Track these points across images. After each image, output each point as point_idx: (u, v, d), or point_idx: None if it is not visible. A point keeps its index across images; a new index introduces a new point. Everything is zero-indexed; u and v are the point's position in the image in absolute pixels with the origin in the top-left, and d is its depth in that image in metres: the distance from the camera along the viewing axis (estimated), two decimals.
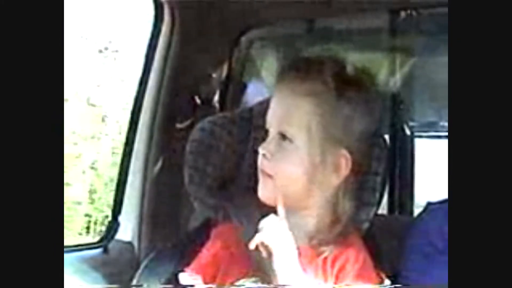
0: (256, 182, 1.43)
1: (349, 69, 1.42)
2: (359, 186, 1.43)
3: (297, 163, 1.36)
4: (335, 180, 1.37)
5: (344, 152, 1.37)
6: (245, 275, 1.39)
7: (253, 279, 1.38)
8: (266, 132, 1.41)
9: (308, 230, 1.39)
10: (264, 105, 1.52)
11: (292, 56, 2.22)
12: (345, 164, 1.37)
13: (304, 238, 1.38)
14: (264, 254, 1.33)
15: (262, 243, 1.32)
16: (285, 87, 1.40)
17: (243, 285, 1.38)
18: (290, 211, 1.38)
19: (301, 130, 1.36)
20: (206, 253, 1.46)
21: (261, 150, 1.38)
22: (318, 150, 1.36)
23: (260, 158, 1.39)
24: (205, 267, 1.44)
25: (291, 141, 1.36)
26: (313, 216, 1.39)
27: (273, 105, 1.41)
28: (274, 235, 1.32)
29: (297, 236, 1.37)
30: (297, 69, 1.41)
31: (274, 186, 1.37)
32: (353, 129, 1.37)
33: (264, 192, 1.39)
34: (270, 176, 1.37)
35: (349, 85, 1.37)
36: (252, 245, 1.31)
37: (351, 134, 1.37)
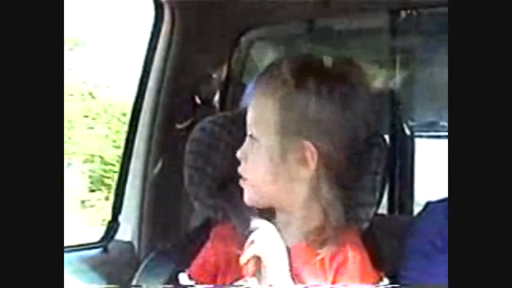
0: None
1: (311, 62, 1.41)
2: (359, 185, 1.43)
3: (262, 161, 1.37)
4: (304, 174, 1.37)
5: (308, 144, 1.35)
6: (244, 275, 1.39)
7: (253, 278, 1.38)
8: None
9: (299, 228, 1.39)
10: None
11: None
12: (310, 156, 1.35)
13: (299, 237, 1.39)
14: (256, 265, 1.35)
15: (254, 256, 1.34)
16: (255, 91, 1.42)
17: (243, 285, 1.38)
18: (277, 211, 1.41)
19: (264, 127, 1.37)
20: (205, 254, 1.46)
21: (238, 155, 1.41)
22: (280, 145, 1.36)
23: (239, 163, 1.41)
24: (205, 267, 1.44)
25: (257, 140, 1.38)
26: (297, 214, 1.40)
27: (248, 110, 1.43)
28: (266, 246, 1.35)
29: (290, 234, 1.38)
30: (264, 73, 1.43)
31: (251, 188, 1.40)
32: (314, 120, 1.35)
33: (246, 195, 1.41)
34: (246, 179, 1.40)
35: (307, 78, 1.35)
36: (243, 260, 1.34)
37: (313, 126, 1.35)
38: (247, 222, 1.43)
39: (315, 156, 1.36)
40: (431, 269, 1.37)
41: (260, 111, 1.39)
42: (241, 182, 1.41)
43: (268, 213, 1.43)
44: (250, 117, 1.41)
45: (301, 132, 1.35)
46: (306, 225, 1.39)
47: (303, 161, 1.36)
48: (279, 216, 1.41)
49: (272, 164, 1.37)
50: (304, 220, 1.39)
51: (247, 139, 1.41)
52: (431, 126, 2.36)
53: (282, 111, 1.36)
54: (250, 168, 1.40)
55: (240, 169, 1.41)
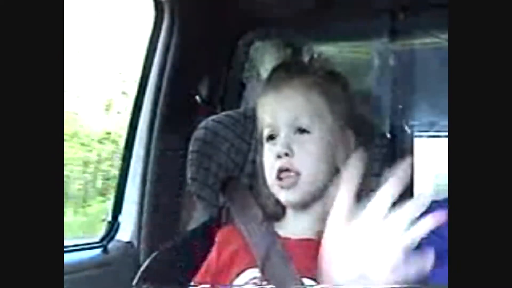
0: (258, 180, 1.45)
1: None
2: (362, 186, 1.43)
3: (316, 153, 1.39)
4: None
5: (351, 133, 1.44)
6: (248, 266, 1.39)
7: (256, 269, 1.38)
8: (270, 136, 1.42)
9: (312, 224, 1.40)
10: None
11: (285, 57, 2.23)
12: (352, 146, 1.44)
13: (310, 232, 1.40)
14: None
15: None
16: (291, 83, 1.42)
17: (244, 285, 1.39)
18: (292, 208, 1.43)
19: (317, 120, 1.39)
20: (210, 258, 1.46)
21: (279, 150, 1.38)
22: (333, 136, 1.40)
23: (278, 160, 1.39)
24: (209, 271, 1.45)
25: (308, 132, 1.39)
26: (317, 209, 1.41)
27: (278, 102, 1.42)
28: None
29: (300, 229, 1.41)
30: (301, 67, 1.48)
31: (302, 182, 1.38)
32: (355, 112, 1.46)
33: (295, 191, 1.39)
34: (294, 173, 1.38)
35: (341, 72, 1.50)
36: None
37: (353, 117, 1.44)
38: (250, 221, 1.43)
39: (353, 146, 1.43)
40: (438, 270, 1.36)
41: (309, 104, 1.40)
42: (284, 177, 1.39)
43: (275, 213, 1.43)
44: (295, 110, 1.40)
45: (347, 122, 1.42)
46: (320, 222, 1.39)
47: (348, 150, 1.41)
48: (293, 214, 1.42)
49: (326, 156, 1.39)
50: (319, 216, 1.39)
51: (287, 133, 1.39)
52: (431, 125, 2.36)
53: (332, 104, 1.41)
54: (300, 161, 1.38)
55: (285, 164, 1.39)
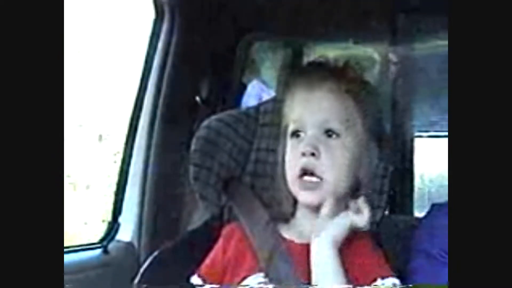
0: (260, 180, 1.47)
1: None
2: (368, 188, 1.43)
3: (344, 158, 1.37)
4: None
5: (375, 144, 1.42)
6: (252, 271, 1.38)
7: (261, 274, 1.37)
8: (296, 132, 1.41)
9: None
10: (270, 104, 1.54)
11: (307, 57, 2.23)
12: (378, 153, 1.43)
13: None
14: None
15: None
16: (320, 85, 1.40)
17: (248, 285, 1.38)
18: (304, 209, 1.42)
19: (348, 125, 1.38)
20: (215, 252, 1.45)
21: (305, 150, 1.37)
22: (363, 142, 1.39)
23: (302, 158, 1.37)
24: (214, 265, 1.44)
25: (338, 136, 1.37)
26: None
27: (309, 100, 1.41)
28: None
29: (308, 231, 1.38)
30: (327, 68, 1.45)
31: (325, 185, 1.36)
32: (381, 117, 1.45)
33: (316, 194, 1.37)
34: (318, 176, 1.36)
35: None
36: None
37: (378, 122, 1.43)
38: (253, 220, 1.43)
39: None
40: (439, 271, 1.36)
41: (341, 110, 1.38)
42: (306, 179, 1.37)
43: (285, 214, 1.43)
44: (326, 112, 1.39)
45: (373, 135, 1.39)
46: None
47: (371, 163, 1.39)
48: (305, 216, 1.41)
49: (351, 164, 1.37)
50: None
51: (315, 132, 1.38)
52: (431, 125, 2.36)
53: (364, 110, 1.39)
54: (326, 166, 1.36)
55: (309, 165, 1.37)
